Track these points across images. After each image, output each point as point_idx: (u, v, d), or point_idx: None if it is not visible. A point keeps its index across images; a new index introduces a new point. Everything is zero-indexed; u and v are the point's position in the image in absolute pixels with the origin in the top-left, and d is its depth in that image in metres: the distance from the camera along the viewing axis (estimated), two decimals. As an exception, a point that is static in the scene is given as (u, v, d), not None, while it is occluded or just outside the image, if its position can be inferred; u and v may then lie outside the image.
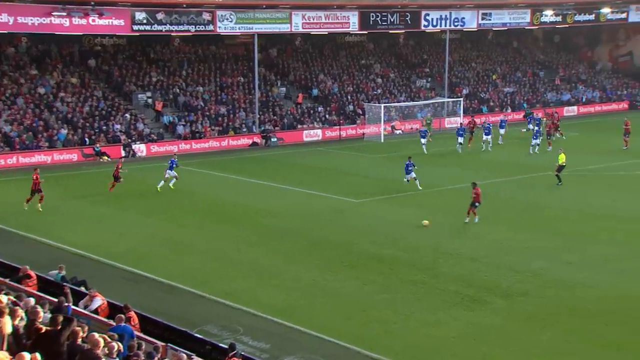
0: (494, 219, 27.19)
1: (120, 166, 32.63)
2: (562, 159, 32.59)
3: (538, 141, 41.61)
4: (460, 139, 42.99)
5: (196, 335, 14.96)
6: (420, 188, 31.14)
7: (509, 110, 61.01)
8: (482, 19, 59.70)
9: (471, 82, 64.28)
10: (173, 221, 27.37)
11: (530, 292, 19.21)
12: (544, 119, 49.34)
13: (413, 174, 31.69)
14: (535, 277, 20.30)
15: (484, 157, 41.76)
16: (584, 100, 66.04)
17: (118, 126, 45.03)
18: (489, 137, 43.61)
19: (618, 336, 16.50)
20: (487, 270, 20.98)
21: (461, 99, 57.08)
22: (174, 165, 32.44)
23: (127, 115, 46.44)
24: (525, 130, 48.30)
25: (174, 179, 32.22)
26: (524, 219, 27.15)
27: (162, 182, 31.88)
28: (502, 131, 45.67)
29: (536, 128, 43.89)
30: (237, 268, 21.55)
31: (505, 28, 63.83)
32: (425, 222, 25.59)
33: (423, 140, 42.24)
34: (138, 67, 51.25)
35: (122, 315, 14.13)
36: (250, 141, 48.49)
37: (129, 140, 44.19)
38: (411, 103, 56.66)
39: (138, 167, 40.02)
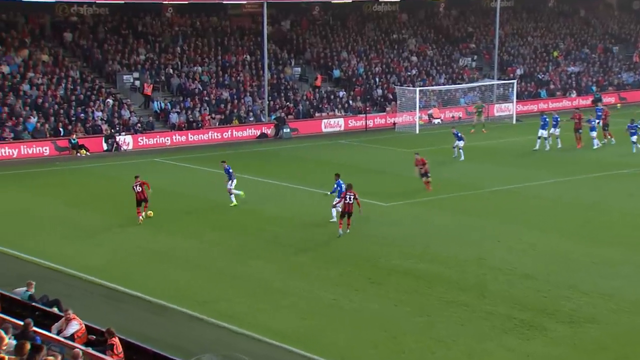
0: (553, 226, 27.09)
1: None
2: None
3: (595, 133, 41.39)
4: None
5: (191, 365, 14.99)
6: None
7: (574, 95, 60.61)
8: (541, -18, 59.47)
9: (527, 60, 63.91)
10: (163, 229, 27.47)
11: (600, 317, 19.03)
12: None
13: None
14: (606, 298, 20.11)
15: (544, 153, 41.55)
16: (669, 82, 65.36)
17: (99, 114, 45.35)
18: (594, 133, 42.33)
19: None
20: (545, 289, 20.84)
21: (514, 81, 56.74)
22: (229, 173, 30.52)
23: (110, 100, 46.75)
24: None
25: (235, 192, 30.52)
26: (588, 226, 27.01)
27: (233, 196, 30.72)
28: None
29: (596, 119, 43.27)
30: (241, 285, 21.58)
31: (570, -7, 63.43)
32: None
33: (459, 143, 39.50)
34: (123, 42, 51.58)
35: (79, 351, 13.74)
36: (258, 132, 48.62)
37: (112, 131, 44.47)
38: (453, 86, 56.48)
39: (122, 164, 40.27)
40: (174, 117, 47.07)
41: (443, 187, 33.08)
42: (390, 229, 27.11)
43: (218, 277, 22.34)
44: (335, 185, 27.50)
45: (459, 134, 39.99)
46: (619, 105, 48.38)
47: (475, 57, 62.74)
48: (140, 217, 27.95)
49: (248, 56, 54.47)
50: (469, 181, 33.27)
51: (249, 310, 19.70)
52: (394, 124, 52.22)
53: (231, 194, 30.34)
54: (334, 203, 27.23)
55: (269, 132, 48.71)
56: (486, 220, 28.03)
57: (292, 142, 46.87)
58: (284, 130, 48.49)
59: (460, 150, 39.59)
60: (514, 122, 53.95)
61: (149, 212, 28.24)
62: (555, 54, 65.70)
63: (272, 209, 30.02)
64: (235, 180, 30.51)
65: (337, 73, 56.10)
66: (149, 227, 27.56)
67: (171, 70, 50.60)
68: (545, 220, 28.02)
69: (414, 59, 60.19)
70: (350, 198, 25.94)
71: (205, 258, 24.11)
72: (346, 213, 26.01)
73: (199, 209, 30.25)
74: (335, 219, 27.26)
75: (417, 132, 50.04)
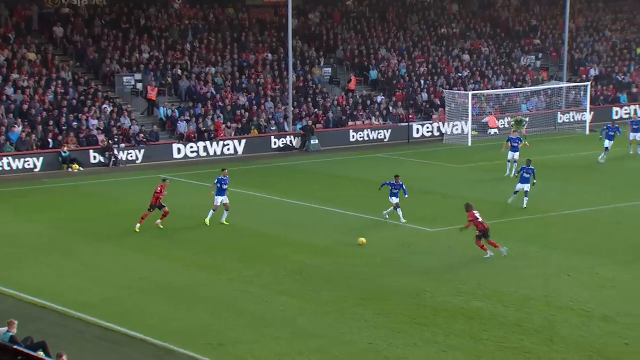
0: (636, 258, 26.83)
1: None
2: None
3: None
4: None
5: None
6: (404, 220, 30.81)
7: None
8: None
9: (604, 59, 63.50)
10: (170, 258, 27.59)
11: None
12: None
13: (397, 199, 31.11)
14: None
15: (623, 170, 41.38)
16: None
17: (94, 122, 45.75)
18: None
19: None
20: (628, 335, 20.62)
21: (588, 83, 56.43)
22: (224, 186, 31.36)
23: (108, 106, 47.16)
24: None
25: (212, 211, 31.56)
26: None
27: (212, 212, 31.55)
28: None
29: None
30: (262, 326, 21.57)
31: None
32: (362, 240, 27.66)
33: (514, 155, 38.99)
34: (123, 38, 52.10)
35: None
36: (282, 144, 48.75)
37: (110, 142, 44.82)
38: (513, 90, 56.24)
39: (121, 181, 40.55)
40: (182, 126, 47.35)
41: (500, 210, 32.84)
42: (437, 259, 26.98)
43: (235, 315, 22.34)
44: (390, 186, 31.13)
45: (516, 145, 39.32)
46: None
47: (541, 55, 62.49)
48: (139, 225, 30.37)
49: (270, 55, 54.73)
50: (531, 203, 33.01)
51: (272, 355, 19.67)
52: (442, 134, 52.11)
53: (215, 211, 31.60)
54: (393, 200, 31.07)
55: (294, 143, 48.82)
56: (554, 251, 27.82)
57: (322, 156, 46.90)
58: (312, 141, 48.57)
59: (515, 164, 38.95)
60: (587, 132, 53.56)
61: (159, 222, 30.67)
62: (639, 51, 65.18)
63: (297, 235, 30.01)
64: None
65: (374, 74, 56.16)
66: (152, 256, 27.69)
67: (180, 72, 50.98)
68: (627, 251, 27.71)
69: (466, 57, 60.08)
70: (479, 216, 26.73)
71: (219, 293, 24.15)
72: (483, 232, 26.62)
73: (211, 235, 30.33)
74: (387, 215, 31.14)
75: (470, 144, 49.86)
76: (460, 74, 57.82)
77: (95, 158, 44.01)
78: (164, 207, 30.62)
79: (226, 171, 31.78)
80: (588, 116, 54.59)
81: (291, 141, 48.90)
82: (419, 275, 25.37)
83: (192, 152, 46.48)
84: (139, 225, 30.37)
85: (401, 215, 30.97)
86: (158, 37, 52.99)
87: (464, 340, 20.42)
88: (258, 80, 52.46)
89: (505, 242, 28.68)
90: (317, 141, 48.78)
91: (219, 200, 31.10)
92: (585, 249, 27.98)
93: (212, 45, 53.84)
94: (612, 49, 65.14)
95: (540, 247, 28.27)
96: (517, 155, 39.08)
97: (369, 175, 41.06)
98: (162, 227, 30.59)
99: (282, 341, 20.54)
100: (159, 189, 30.57)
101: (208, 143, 46.76)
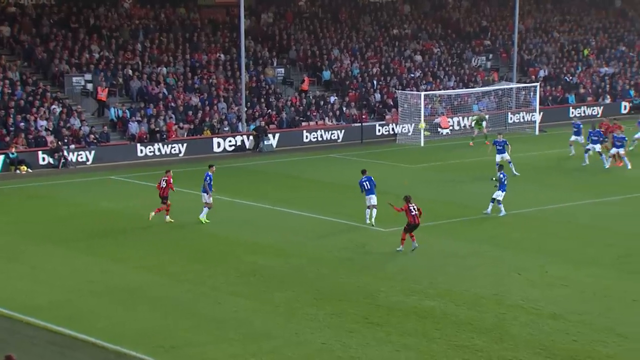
0: (585, 257, 27.21)
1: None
2: None
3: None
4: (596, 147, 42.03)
5: None
6: (372, 222, 30.54)
7: (608, 100, 61.02)
8: (569, -33, 60.20)
9: (552, 59, 64.33)
10: (120, 260, 27.39)
11: (641, 364, 19.12)
12: None
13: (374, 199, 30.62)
14: (648, 342, 20.19)
15: (576, 170, 41.99)
16: None
17: (43, 123, 45.28)
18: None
19: None
20: (576, 332, 20.87)
21: (537, 84, 57.13)
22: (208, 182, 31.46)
23: (57, 107, 46.70)
24: None
25: (206, 208, 31.64)
26: (630, 258, 27.03)
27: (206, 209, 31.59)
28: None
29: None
30: (215, 327, 21.52)
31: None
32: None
33: (502, 157, 38.97)
34: (73, 38, 51.65)
35: None
36: (234, 144, 48.65)
37: (59, 144, 44.38)
38: (464, 90, 56.75)
39: (71, 182, 40.20)
40: (133, 127, 47.06)
41: (452, 209, 33.13)
42: (390, 258, 27.11)
43: (187, 316, 22.25)
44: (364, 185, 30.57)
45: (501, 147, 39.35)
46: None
47: (491, 56, 63.13)
48: (152, 214, 30.94)
49: (222, 55, 54.61)
50: (482, 203, 33.31)
51: (225, 357, 19.63)
52: (395, 134, 52.41)
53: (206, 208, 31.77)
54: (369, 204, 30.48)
55: (246, 143, 48.77)
56: (504, 250, 28.09)
57: (275, 156, 46.91)
58: (265, 142, 48.55)
59: (510, 165, 38.89)
60: (537, 132, 54.23)
61: (169, 218, 31.20)
62: (586, 52, 66.19)
63: (249, 236, 29.99)
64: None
65: (327, 75, 56.29)
66: (102, 258, 27.45)
67: (130, 72, 50.66)
68: (576, 249, 28.09)
69: (418, 58, 60.47)
70: (414, 209, 27.15)
71: (171, 294, 24.02)
72: (413, 226, 27.13)
73: (162, 236, 30.19)
74: (369, 222, 30.09)
75: (422, 144, 50.20)
76: (412, 75, 58.20)
77: (44, 159, 43.66)
78: (165, 200, 31.16)
79: (214, 167, 32.37)
80: (537, 116, 55.42)
81: (243, 141, 48.84)
82: (373, 275, 25.47)
83: (148, 152, 46.18)
84: (168, 217, 31.38)
85: (373, 217, 30.58)
86: (108, 36, 52.63)
87: (416, 339, 20.55)
88: (210, 80, 52.33)
89: (457, 241, 29.02)
90: (270, 141, 48.76)
91: (210, 196, 31.54)
92: (535, 248, 28.29)
93: (164, 45, 53.60)
94: (560, 50, 66.04)
95: (491, 246, 28.53)
96: (506, 156, 39.22)
97: (322, 176, 41.20)
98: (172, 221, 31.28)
99: (235, 342, 20.51)
100: (165, 181, 31.25)
101: (161, 144, 46.52)
